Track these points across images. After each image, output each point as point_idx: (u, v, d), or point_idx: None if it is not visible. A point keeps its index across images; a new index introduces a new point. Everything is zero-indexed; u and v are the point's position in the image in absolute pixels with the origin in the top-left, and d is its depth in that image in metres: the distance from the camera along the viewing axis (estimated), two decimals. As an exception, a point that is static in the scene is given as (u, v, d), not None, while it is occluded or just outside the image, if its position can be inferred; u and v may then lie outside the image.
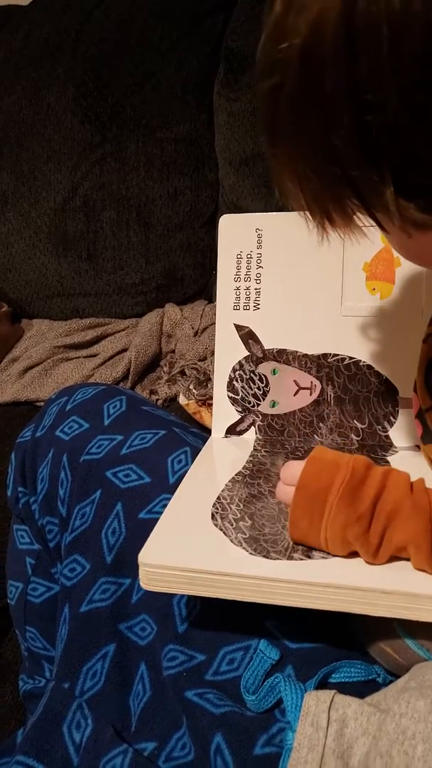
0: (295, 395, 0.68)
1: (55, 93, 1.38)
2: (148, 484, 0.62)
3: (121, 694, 0.56)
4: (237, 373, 0.69)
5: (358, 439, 0.66)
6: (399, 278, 0.66)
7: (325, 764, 0.41)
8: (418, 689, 0.40)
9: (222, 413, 0.70)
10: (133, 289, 1.42)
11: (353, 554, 0.48)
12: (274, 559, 0.48)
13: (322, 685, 0.49)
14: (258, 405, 0.69)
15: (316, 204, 0.37)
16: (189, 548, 0.49)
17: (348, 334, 0.67)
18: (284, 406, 0.68)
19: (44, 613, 0.70)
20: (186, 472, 0.61)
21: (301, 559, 0.48)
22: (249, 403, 0.69)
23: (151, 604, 0.57)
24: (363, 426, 0.66)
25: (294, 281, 0.68)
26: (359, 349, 0.67)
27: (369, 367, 0.66)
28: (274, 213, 0.69)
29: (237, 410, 0.69)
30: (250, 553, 0.48)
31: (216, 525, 0.52)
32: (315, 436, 0.67)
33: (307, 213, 0.39)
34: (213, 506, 0.54)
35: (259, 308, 0.69)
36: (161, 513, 0.54)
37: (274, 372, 0.68)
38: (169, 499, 0.56)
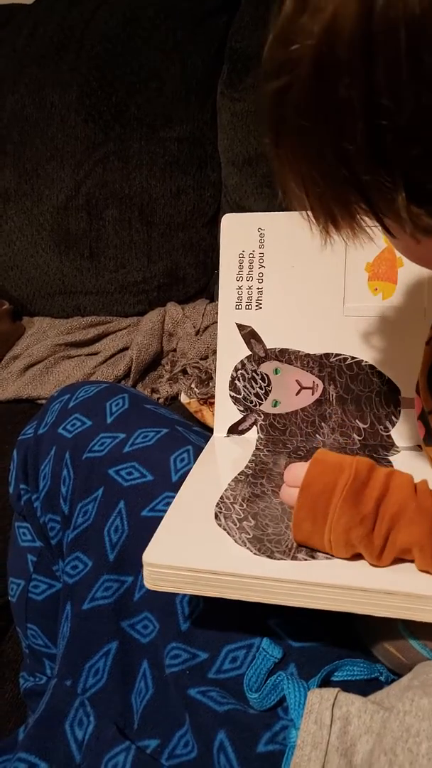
0: (297, 395, 0.68)
1: (59, 91, 1.38)
2: (151, 482, 0.63)
3: (124, 692, 0.56)
4: (239, 372, 0.69)
5: (360, 438, 0.66)
6: (401, 279, 0.66)
7: (328, 762, 0.41)
8: (421, 687, 0.41)
9: (224, 412, 0.70)
10: (135, 287, 1.42)
11: (356, 556, 0.48)
12: (278, 559, 0.48)
13: (325, 683, 0.49)
14: (260, 404, 0.69)
15: (322, 207, 0.37)
16: (193, 548, 0.49)
17: (350, 334, 0.67)
18: (286, 406, 0.69)
19: (46, 611, 0.70)
20: (188, 470, 0.61)
21: (305, 560, 0.48)
22: (251, 402, 0.69)
23: (154, 602, 0.57)
24: (365, 426, 0.66)
25: (296, 281, 0.68)
26: (361, 349, 0.67)
27: (371, 367, 0.66)
28: (277, 213, 0.69)
29: (239, 409, 0.70)
30: (254, 554, 0.48)
31: (219, 525, 0.52)
32: (317, 435, 0.68)
33: (311, 215, 0.38)
34: (216, 506, 0.55)
35: (261, 308, 0.69)
36: (164, 511, 0.54)
37: (276, 371, 0.69)
38: (171, 497, 0.57)
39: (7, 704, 0.83)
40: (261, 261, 0.69)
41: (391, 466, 0.61)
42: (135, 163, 1.36)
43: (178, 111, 1.35)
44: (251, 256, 0.69)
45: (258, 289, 0.69)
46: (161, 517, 0.52)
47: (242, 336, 0.69)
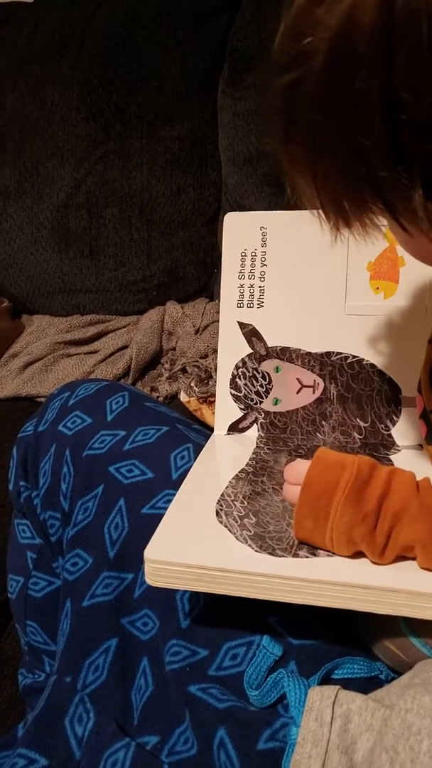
0: (297, 393, 0.68)
1: (60, 90, 1.38)
2: (151, 479, 0.63)
3: (124, 689, 0.56)
4: (240, 370, 0.69)
5: (361, 437, 0.67)
6: (403, 278, 0.66)
7: (329, 759, 0.41)
8: (423, 685, 0.41)
9: (225, 410, 0.70)
10: (135, 286, 1.42)
11: (358, 554, 0.48)
12: (280, 556, 0.48)
13: (325, 681, 0.49)
14: (261, 402, 0.69)
15: (333, 205, 0.36)
16: (195, 545, 0.49)
17: (351, 333, 0.67)
18: (287, 404, 0.69)
19: (45, 608, 0.70)
20: (189, 468, 0.61)
21: (307, 557, 0.48)
22: (252, 400, 0.69)
23: (154, 599, 0.57)
24: (365, 424, 0.66)
25: (298, 279, 0.68)
26: (362, 347, 0.67)
27: (372, 365, 0.66)
28: (279, 211, 0.69)
29: (240, 407, 0.70)
30: (256, 551, 0.48)
31: (221, 522, 0.52)
32: (317, 434, 0.68)
33: (321, 213, 0.37)
34: (217, 503, 0.54)
35: (262, 306, 0.69)
36: (164, 508, 0.54)
37: (277, 369, 0.69)
38: (171, 494, 0.56)
39: (5, 701, 0.83)
40: (263, 259, 0.69)
41: (392, 464, 0.61)
42: (135, 161, 1.36)
43: (178, 110, 1.35)
44: (253, 254, 0.69)
45: (260, 287, 0.69)
46: (161, 515, 0.52)
47: (243, 334, 0.69)
